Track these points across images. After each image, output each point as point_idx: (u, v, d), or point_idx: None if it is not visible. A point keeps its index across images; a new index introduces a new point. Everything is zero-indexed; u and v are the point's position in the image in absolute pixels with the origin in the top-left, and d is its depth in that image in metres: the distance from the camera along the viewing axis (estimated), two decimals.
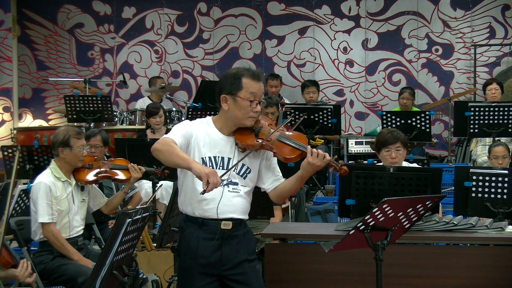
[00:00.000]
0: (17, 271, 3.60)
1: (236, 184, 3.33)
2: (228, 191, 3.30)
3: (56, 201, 4.49)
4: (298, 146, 3.31)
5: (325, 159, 3.22)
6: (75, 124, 7.67)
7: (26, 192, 5.03)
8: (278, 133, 3.34)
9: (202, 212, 3.30)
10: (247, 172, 3.37)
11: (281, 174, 3.49)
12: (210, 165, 3.31)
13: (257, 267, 3.46)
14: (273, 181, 3.46)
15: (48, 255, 4.49)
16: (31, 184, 4.85)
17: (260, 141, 3.30)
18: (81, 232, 4.69)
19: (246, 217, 3.42)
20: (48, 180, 4.52)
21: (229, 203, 3.30)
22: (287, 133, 3.39)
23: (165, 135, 3.30)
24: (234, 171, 3.31)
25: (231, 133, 3.37)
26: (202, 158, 3.31)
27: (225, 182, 3.28)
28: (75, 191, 4.67)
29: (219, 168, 3.30)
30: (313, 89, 8.48)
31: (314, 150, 3.24)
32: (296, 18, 9.85)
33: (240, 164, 3.33)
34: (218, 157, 3.33)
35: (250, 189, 3.42)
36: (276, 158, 3.46)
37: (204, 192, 3.05)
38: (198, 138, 3.33)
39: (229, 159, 3.33)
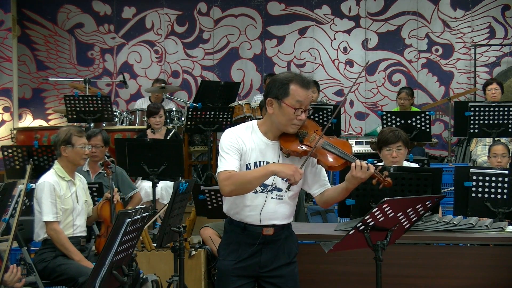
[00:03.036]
0: (6, 275, 3.59)
1: (280, 190, 3.30)
2: (272, 197, 3.28)
3: (60, 200, 4.52)
4: (342, 155, 3.24)
5: (368, 171, 3.17)
6: (75, 124, 7.67)
7: (26, 192, 5.03)
8: (323, 140, 3.28)
9: (244, 218, 3.30)
10: None
11: (327, 179, 3.44)
12: None
13: (296, 270, 3.43)
14: (320, 187, 3.41)
15: (50, 253, 4.52)
16: (30, 184, 4.85)
17: (304, 147, 3.24)
18: (84, 233, 4.71)
19: (289, 221, 3.41)
20: (52, 180, 4.55)
21: (271, 210, 3.28)
22: (331, 139, 3.32)
23: (221, 169, 3.23)
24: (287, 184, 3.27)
25: (276, 137, 3.32)
26: (247, 164, 3.29)
27: (269, 188, 3.27)
28: (79, 191, 4.69)
29: None
30: (313, 89, 8.48)
31: (358, 163, 3.17)
32: (296, 18, 9.85)
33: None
34: (263, 162, 3.29)
35: (295, 194, 3.39)
36: None
37: (290, 186, 3.16)
38: (245, 146, 3.29)
39: (274, 164, 3.29)
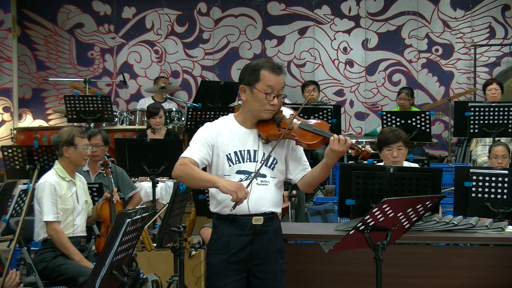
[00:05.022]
0: (5, 280, 3.59)
1: (264, 176, 3.33)
2: (257, 183, 3.30)
3: (61, 200, 4.52)
4: (319, 132, 3.31)
5: (346, 143, 3.23)
6: (75, 124, 7.68)
7: (26, 192, 5.04)
8: (300, 121, 3.36)
9: (233, 209, 3.28)
10: (274, 163, 3.36)
11: (308, 164, 3.48)
12: (236, 159, 3.32)
13: (284, 267, 3.45)
14: (301, 171, 3.44)
15: (51, 253, 4.52)
16: (30, 184, 4.85)
17: (282, 130, 3.29)
18: (84, 233, 4.72)
19: (278, 210, 3.42)
20: (53, 180, 4.55)
21: (258, 196, 3.30)
22: (310, 121, 3.41)
23: (183, 154, 3.31)
24: (261, 162, 3.31)
25: (254, 125, 3.37)
26: (227, 155, 3.32)
27: (253, 175, 3.27)
28: (79, 191, 4.69)
29: (246, 161, 3.32)
30: (313, 87, 8.52)
31: (335, 136, 3.24)
32: (296, 18, 9.84)
33: (266, 155, 3.33)
34: (244, 150, 3.34)
35: (280, 181, 3.41)
36: (302, 148, 3.45)
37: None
38: (221, 137, 3.34)
39: (254, 151, 3.34)
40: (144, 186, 6.83)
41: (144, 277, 4.60)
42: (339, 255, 3.98)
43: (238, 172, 3.31)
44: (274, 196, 3.37)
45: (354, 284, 4.23)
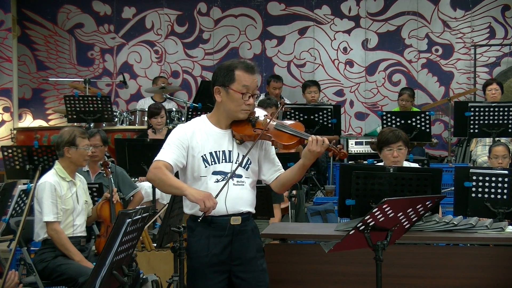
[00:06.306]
0: (4, 281, 3.59)
1: (240, 176, 3.35)
2: (233, 184, 3.31)
3: (61, 200, 4.52)
4: (295, 133, 3.34)
5: (324, 144, 3.25)
6: (75, 124, 7.68)
7: (26, 192, 5.04)
8: (275, 122, 3.38)
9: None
10: (248, 163, 3.38)
11: (281, 165, 3.51)
12: (212, 160, 3.32)
13: (264, 266, 3.46)
14: (274, 172, 3.47)
15: (50, 253, 4.52)
16: (30, 185, 4.86)
17: (257, 131, 3.31)
18: (84, 233, 4.72)
19: (253, 210, 3.43)
20: (53, 180, 4.55)
21: (235, 196, 3.31)
22: (285, 122, 3.43)
23: (157, 157, 3.30)
24: (236, 163, 3.33)
25: (228, 126, 3.38)
26: (202, 156, 3.32)
27: (229, 175, 3.29)
28: (80, 192, 4.69)
29: (222, 162, 3.33)
30: (315, 89, 8.52)
31: (313, 136, 3.26)
32: (296, 18, 9.84)
33: (241, 156, 3.34)
34: (218, 151, 3.34)
35: (253, 182, 3.43)
36: (273, 149, 3.48)
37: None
38: (195, 138, 3.34)
39: (229, 151, 3.35)
40: (144, 186, 6.82)
41: (144, 277, 4.61)
42: (339, 255, 3.98)
43: (214, 173, 3.32)
44: (249, 196, 3.40)
45: (354, 284, 4.22)
